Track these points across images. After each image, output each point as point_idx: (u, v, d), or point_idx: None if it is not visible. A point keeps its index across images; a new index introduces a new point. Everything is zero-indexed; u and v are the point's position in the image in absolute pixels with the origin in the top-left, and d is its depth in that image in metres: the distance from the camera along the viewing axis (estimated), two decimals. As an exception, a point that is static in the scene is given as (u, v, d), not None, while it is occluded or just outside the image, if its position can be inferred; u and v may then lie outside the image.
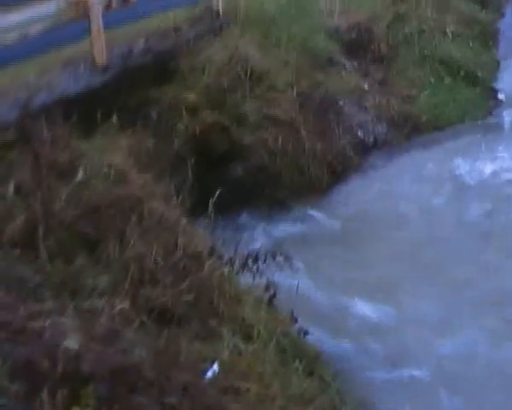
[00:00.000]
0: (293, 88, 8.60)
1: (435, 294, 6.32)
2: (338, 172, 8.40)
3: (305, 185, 8.05)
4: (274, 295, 5.58)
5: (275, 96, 8.35)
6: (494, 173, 8.63)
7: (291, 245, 6.77)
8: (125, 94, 7.46)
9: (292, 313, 5.66)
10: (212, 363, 4.35)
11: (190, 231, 5.76)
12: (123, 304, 4.34)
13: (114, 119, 6.97)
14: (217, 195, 6.29)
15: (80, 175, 5.63)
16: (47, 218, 4.91)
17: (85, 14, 7.44)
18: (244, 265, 5.64)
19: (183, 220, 5.82)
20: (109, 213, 5.21)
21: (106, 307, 4.20)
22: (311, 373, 5.09)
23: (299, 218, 7.62)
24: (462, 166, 8.75)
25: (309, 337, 5.57)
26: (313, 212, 7.72)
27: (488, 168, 8.72)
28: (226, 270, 5.40)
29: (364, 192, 8.17)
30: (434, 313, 6.12)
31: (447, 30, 11.97)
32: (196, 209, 7.18)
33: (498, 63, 12.31)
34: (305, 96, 8.71)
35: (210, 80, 8.05)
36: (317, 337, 5.68)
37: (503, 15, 15.44)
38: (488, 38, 12.98)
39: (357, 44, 10.49)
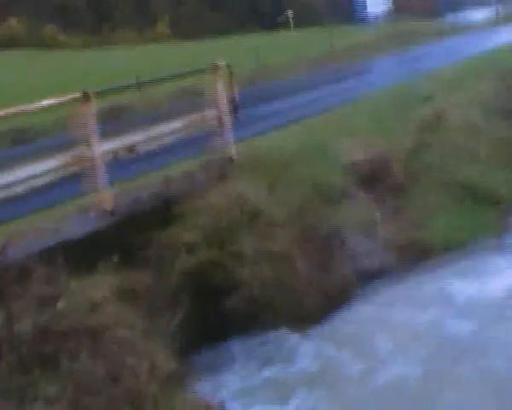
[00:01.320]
0: (293, 224, 9.15)
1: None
2: (335, 301, 8.75)
3: (299, 315, 8.44)
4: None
5: (273, 231, 8.91)
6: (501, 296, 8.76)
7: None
8: (128, 236, 8.25)
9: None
10: None
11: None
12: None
13: (114, 258, 7.76)
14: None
15: (59, 306, 6.48)
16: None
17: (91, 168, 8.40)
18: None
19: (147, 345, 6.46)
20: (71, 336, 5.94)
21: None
22: None
23: (283, 348, 8.01)
24: (470, 289, 8.96)
25: None
26: (302, 342, 8.10)
27: (497, 290, 8.89)
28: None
29: (358, 321, 8.49)
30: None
31: (476, 153, 12.34)
32: (190, 339, 7.88)
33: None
34: (307, 230, 9.24)
35: (208, 221, 8.73)
36: None
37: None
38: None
39: (373, 176, 10.99)
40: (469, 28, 38.08)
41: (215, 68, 10.06)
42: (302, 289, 8.65)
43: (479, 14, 44.91)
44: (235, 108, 10.53)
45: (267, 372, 7.65)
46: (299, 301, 8.55)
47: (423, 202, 10.93)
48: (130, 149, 9.00)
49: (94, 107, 8.35)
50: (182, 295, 8.05)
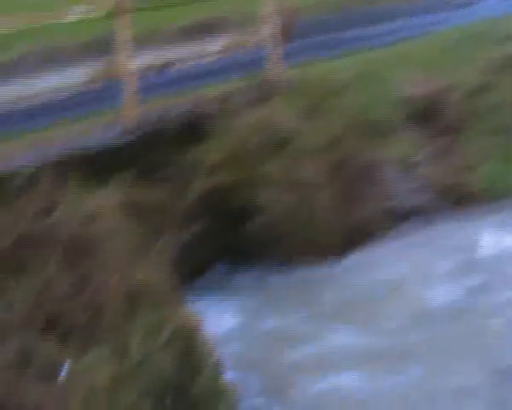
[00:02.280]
0: (324, 153, 8.79)
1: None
2: (358, 237, 8.42)
3: (319, 248, 8.16)
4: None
5: (301, 158, 8.58)
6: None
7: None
8: (148, 153, 8.09)
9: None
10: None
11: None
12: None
13: (128, 173, 7.62)
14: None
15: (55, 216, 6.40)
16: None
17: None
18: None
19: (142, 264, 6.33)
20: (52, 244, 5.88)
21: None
22: None
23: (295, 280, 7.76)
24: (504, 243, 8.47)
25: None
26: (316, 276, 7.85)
27: None
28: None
29: (376, 264, 8.15)
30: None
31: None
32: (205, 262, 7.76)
33: None
34: (340, 161, 8.87)
35: (235, 142, 8.47)
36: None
37: None
38: None
39: (427, 114, 10.42)
40: None
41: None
42: (326, 222, 8.36)
43: None
44: (290, 30, 10.11)
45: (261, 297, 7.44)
46: (321, 232, 8.27)
47: (477, 145, 10.29)
48: (168, 64, 8.77)
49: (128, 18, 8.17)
50: (195, 215, 7.88)
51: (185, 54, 9.14)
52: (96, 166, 7.46)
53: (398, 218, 8.89)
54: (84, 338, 5.09)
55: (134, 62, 8.30)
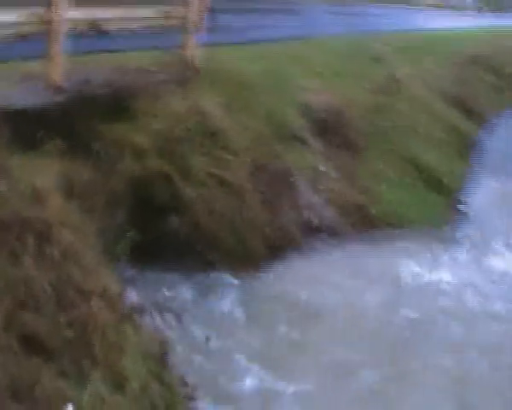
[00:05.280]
0: (247, 153, 8.42)
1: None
2: (276, 247, 8.13)
3: (239, 253, 7.78)
4: (165, 354, 5.33)
5: (226, 157, 8.15)
6: (429, 282, 8.37)
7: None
8: (75, 119, 7.27)
9: (183, 376, 5.44)
10: (68, 404, 4.14)
11: (96, 269, 5.52)
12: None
13: (57, 142, 6.78)
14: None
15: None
16: None
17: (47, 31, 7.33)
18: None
19: (92, 256, 5.62)
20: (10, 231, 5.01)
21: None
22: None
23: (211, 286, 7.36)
24: (401, 268, 8.50)
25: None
26: (236, 282, 7.50)
27: (426, 276, 8.49)
28: (118, 316, 5.13)
29: (295, 275, 7.90)
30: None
31: (420, 130, 11.99)
32: (123, 253, 7.03)
33: (469, 175, 12.31)
34: (259, 165, 8.53)
35: (161, 127, 7.87)
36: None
37: (490, 129, 15.65)
38: (464, 147, 13.00)
39: (327, 126, 10.34)
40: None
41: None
42: (248, 229, 7.97)
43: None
44: (210, 10, 9.57)
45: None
46: (242, 240, 7.86)
47: (375, 166, 10.41)
48: (95, 24, 7.93)
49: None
50: (123, 201, 7.19)
51: (115, 15, 8.29)
52: (25, 127, 6.56)
53: (309, 232, 8.71)
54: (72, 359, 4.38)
55: (66, 15, 7.42)
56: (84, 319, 4.66)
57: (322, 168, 9.66)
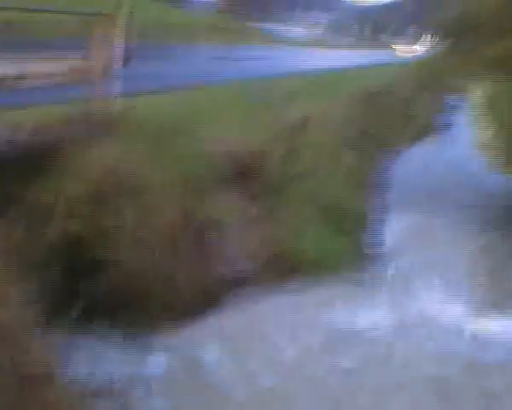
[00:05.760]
0: (166, 209, 8.19)
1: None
2: (196, 304, 7.92)
3: (172, 312, 7.55)
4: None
5: (152, 214, 7.89)
6: (352, 329, 8.30)
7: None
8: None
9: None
10: None
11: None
12: None
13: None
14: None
15: None
16: None
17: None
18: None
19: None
20: None
21: None
22: None
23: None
24: (325, 316, 8.48)
25: None
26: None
27: (346, 323, 8.41)
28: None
29: (220, 333, 7.73)
30: None
31: (326, 173, 12.10)
32: (52, 319, 6.63)
33: (379, 211, 12.55)
34: (178, 220, 8.30)
35: (83, 187, 7.54)
36: None
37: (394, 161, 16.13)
38: (373, 185, 13.27)
39: (240, 176, 10.22)
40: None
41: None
42: (168, 288, 7.72)
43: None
44: (128, 58, 9.31)
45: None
46: (162, 300, 7.61)
47: (288, 214, 10.36)
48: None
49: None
50: (52, 264, 6.81)
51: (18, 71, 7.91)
52: None
53: (230, 287, 8.53)
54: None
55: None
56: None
57: (241, 220, 9.53)
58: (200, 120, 11.12)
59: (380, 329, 8.43)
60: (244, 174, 10.29)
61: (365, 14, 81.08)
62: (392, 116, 19.39)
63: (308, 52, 33.91)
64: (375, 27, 71.40)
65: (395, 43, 63.85)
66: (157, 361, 7.09)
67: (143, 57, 12.62)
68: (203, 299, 7.90)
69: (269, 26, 51.84)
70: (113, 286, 7.33)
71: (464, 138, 18.32)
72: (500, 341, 8.19)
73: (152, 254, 7.57)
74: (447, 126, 24.61)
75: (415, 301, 9.29)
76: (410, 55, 53.54)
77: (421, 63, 36.87)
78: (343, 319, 8.43)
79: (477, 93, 15.10)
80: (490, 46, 13.85)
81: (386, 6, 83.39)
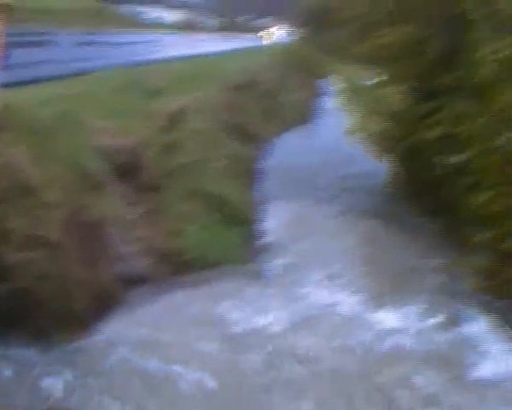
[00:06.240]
0: (59, 208, 7.87)
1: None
2: (98, 305, 7.71)
3: (71, 317, 7.29)
4: None
5: (40, 214, 7.56)
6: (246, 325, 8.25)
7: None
8: None
9: None
10: None
11: None
12: None
13: None
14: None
15: None
16: None
17: None
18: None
19: None
20: None
21: None
22: None
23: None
24: (223, 312, 8.40)
25: None
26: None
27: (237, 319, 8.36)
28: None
29: (119, 338, 7.52)
30: None
31: (208, 164, 12.01)
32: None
33: (263, 203, 12.63)
34: (71, 219, 8.01)
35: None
36: None
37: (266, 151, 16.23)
38: (251, 175, 13.29)
39: (127, 170, 9.99)
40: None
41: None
42: (69, 290, 7.45)
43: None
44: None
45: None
46: (66, 302, 7.34)
47: (176, 207, 10.22)
48: None
49: None
50: None
51: None
52: None
53: (128, 285, 8.34)
54: None
55: None
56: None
57: (131, 215, 9.32)
58: (83, 111, 10.74)
59: (273, 322, 8.41)
60: (132, 168, 10.07)
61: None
62: (260, 105, 19.46)
63: (172, 37, 33.50)
64: (239, 12, 71.62)
65: (260, 28, 64.37)
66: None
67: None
68: (96, 301, 7.62)
69: (137, 9, 50.99)
70: (19, 291, 7.03)
71: (336, 124, 18.65)
72: (390, 330, 8.32)
73: (42, 257, 7.22)
74: (318, 113, 25.10)
75: (305, 293, 9.34)
76: (274, 40, 54.19)
77: (287, 49, 37.58)
78: (237, 315, 8.37)
79: (345, 79, 15.36)
80: (357, 42, 14.08)
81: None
